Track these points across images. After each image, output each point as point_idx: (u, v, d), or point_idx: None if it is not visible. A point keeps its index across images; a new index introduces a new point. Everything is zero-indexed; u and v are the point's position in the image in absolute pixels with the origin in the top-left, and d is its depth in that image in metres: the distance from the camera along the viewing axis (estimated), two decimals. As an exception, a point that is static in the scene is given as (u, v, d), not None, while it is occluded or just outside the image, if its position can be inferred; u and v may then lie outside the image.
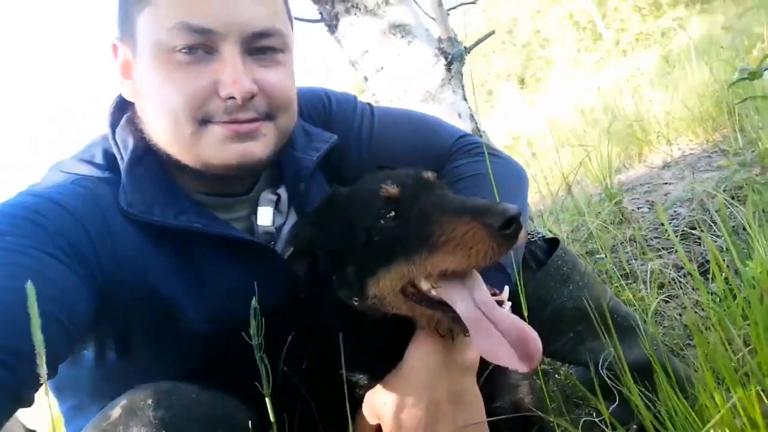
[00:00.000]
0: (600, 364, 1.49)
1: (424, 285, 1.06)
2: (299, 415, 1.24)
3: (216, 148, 1.19)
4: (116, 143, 1.25)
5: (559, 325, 1.62)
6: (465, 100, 2.75)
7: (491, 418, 1.15)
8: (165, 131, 1.20)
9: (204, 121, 1.18)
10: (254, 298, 1.06)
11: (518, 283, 1.26)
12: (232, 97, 1.16)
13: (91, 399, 1.27)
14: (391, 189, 1.13)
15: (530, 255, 1.62)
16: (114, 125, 1.28)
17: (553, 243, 1.67)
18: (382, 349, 1.16)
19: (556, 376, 2.13)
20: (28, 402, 0.92)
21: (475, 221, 0.97)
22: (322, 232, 1.22)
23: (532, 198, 4.12)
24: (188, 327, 1.23)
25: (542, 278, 1.60)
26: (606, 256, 2.80)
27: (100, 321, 1.11)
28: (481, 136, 2.78)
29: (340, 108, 1.55)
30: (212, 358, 1.26)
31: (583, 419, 1.35)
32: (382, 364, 1.15)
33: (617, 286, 2.49)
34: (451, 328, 1.09)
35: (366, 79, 2.78)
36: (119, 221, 1.17)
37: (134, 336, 1.22)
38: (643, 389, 1.32)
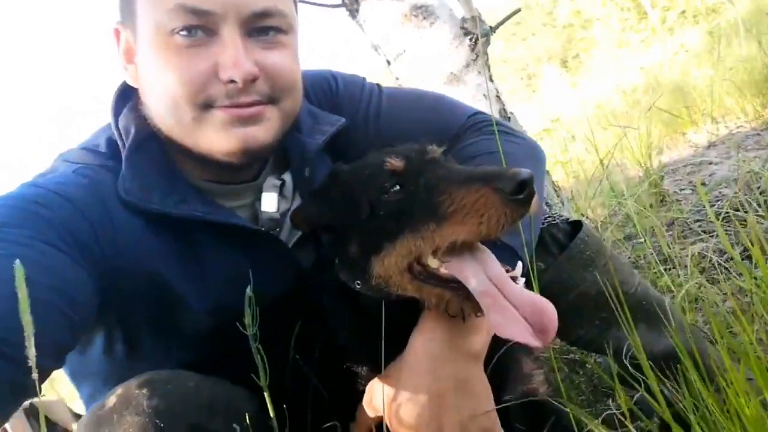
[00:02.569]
0: (624, 353, 1.41)
1: (432, 262, 1.00)
2: (311, 404, 1.21)
3: (218, 134, 1.16)
4: (119, 130, 1.23)
5: (583, 312, 1.54)
6: (491, 80, 2.66)
7: (501, 405, 1.09)
8: (166, 117, 1.18)
9: (206, 106, 1.15)
10: (249, 287, 1.03)
11: (531, 268, 1.19)
12: (233, 81, 1.13)
13: (105, 388, 1.27)
14: (396, 162, 1.08)
15: (551, 238, 1.54)
16: (117, 113, 1.26)
17: (576, 226, 1.59)
18: (386, 337, 1.11)
19: (587, 365, 2.05)
20: (33, 392, 0.89)
21: (485, 187, 0.92)
22: (324, 209, 1.18)
23: (569, 182, 3.99)
24: (191, 317, 1.21)
25: (564, 263, 1.53)
26: (645, 241, 2.68)
27: (104, 310, 1.11)
28: (509, 118, 2.69)
29: (347, 89, 1.50)
30: (218, 349, 1.24)
31: (605, 412, 1.27)
32: (387, 353, 1.10)
33: (655, 272, 2.38)
34: (461, 307, 1.03)
35: (389, 63, 2.72)
36: (120, 209, 1.15)
37: (139, 326, 1.22)
38: (671, 380, 1.24)
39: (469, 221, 0.92)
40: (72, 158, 1.23)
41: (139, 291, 1.15)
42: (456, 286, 1.00)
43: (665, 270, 2.41)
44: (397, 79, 2.71)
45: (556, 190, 2.83)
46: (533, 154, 1.41)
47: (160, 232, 1.18)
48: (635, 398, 1.27)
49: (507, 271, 1.01)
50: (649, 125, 3.37)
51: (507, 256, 1.14)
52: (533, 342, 0.91)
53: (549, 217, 1.57)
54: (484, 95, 2.61)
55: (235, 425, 1.07)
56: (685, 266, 2.40)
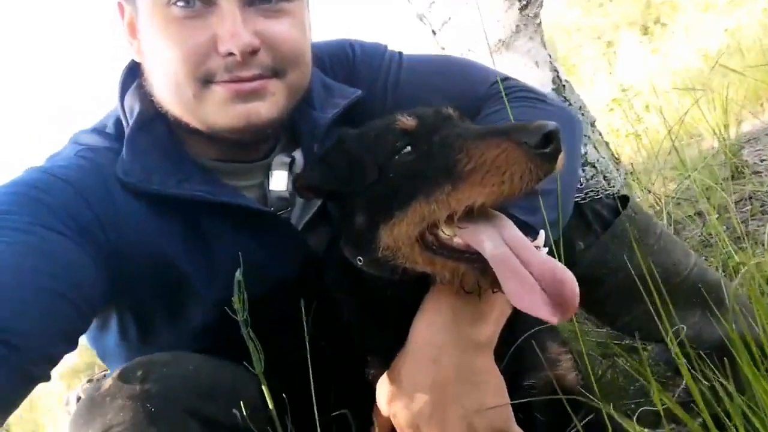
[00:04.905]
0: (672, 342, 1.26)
1: (447, 231, 0.91)
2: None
3: (219, 110, 1.11)
4: (124, 110, 1.21)
5: (629, 297, 1.40)
6: (544, 46, 2.48)
7: (517, 401, 0.99)
8: (168, 93, 1.15)
9: (206, 82, 1.10)
10: (239, 270, 0.98)
11: (558, 253, 1.07)
12: (232, 53, 1.07)
13: None
14: (408, 121, 1.00)
15: (594, 215, 1.41)
16: (124, 91, 1.24)
17: (623, 202, 1.44)
18: (394, 323, 1.03)
19: (644, 352, 1.90)
20: (41, 378, 0.93)
21: (506, 141, 0.82)
22: (329, 174, 1.09)
23: (637, 156, 3.73)
24: (199, 300, 1.18)
25: (607, 242, 1.39)
26: (711, 217, 2.45)
27: (112, 293, 1.10)
28: (564, 86, 2.51)
29: (365, 58, 1.41)
30: (228, 332, 1.21)
31: (641, 409, 1.14)
32: (393, 338, 1.02)
33: (726, 251, 2.16)
34: (477, 281, 0.93)
35: (434, 33, 2.59)
36: (122, 192, 1.13)
37: (149, 309, 1.20)
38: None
39: (489, 180, 0.83)
40: (80, 140, 1.23)
41: (146, 274, 1.14)
42: (471, 257, 0.90)
43: (740, 249, 2.19)
44: (443, 48, 2.58)
45: (616, 163, 2.63)
46: (566, 122, 1.27)
47: (164, 213, 1.15)
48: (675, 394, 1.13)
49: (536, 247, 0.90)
50: (724, 90, 3.06)
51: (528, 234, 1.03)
52: (550, 317, 0.82)
53: (592, 191, 1.44)
54: (536, 62, 2.45)
55: (234, 410, 1.03)
56: (762, 244, 2.17)
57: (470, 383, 0.96)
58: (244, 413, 1.03)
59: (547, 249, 0.91)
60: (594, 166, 2.46)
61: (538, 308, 0.82)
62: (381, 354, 1.04)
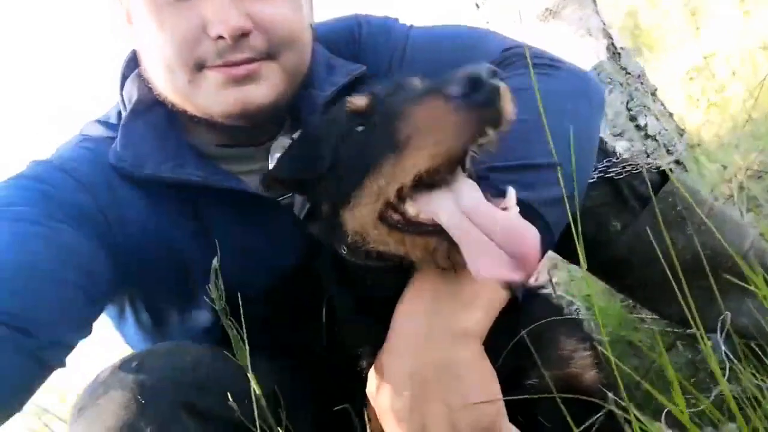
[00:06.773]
0: (720, 332, 1.12)
1: (411, 208, 0.84)
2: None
3: (213, 96, 1.09)
4: (123, 99, 1.21)
5: (674, 283, 1.25)
6: (597, 13, 2.30)
7: (508, 398, 0.88)
8: (163, 80, 1.13)
9: (199, 67, 1.08)
10: (216, 258, 0.94)
11: (577, 235, 0.96)
12: (222, 37, 1.04)
13: None
14: (357, 101, 0.94)
15: (630, 191, 1.28)
16: (124, 81, 1.24)
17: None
18: (377, 309, 0.96)
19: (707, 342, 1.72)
20: (57, 364, 0.94)
21: (435, 98, 0.76)
22: (293, 165, 1.04)
23: (712, 126, 3.40)
24: (206, 292, 1.16)
25: (647, 221, 1.25)
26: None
27: (122, 282, 1.11)
28: (619, 54, 2.33)
29: (371, 34, 1.34)
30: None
31: (666, 410, 1.00)
32: (381, 328, 0.95)
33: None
34: (449, 256, 0.85)
35: (477, 6, 2.47)
36: (122, 181, 1.13)
37: (159, 300, 1.20)
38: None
39: (424, 143, 0.77)
40: (86, 131, 1.24)
41: (152, 263, 1.13)
42: (438, 230, 0.82)
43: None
44: (487, 22, 2.45)
45: (680, 135, 2.41)
46: (581, 90, 1.15)
47: (164, 201, 1.14)
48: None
49: (504, 208, 0.81)
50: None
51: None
52: (511, 275, 0.73)
53: (630, 165, 1.29)
54: (588, 30, 2.28)
55: (231, 403, 1.00)
56: None
57: (453, 376, 0.87)
58: (241, 406, 1.00)
59: (517, 210, 0.81)
60: (655, 139, 2.27)
61: (497, 269, 0.73)
62: (370, 344, 0.97)
